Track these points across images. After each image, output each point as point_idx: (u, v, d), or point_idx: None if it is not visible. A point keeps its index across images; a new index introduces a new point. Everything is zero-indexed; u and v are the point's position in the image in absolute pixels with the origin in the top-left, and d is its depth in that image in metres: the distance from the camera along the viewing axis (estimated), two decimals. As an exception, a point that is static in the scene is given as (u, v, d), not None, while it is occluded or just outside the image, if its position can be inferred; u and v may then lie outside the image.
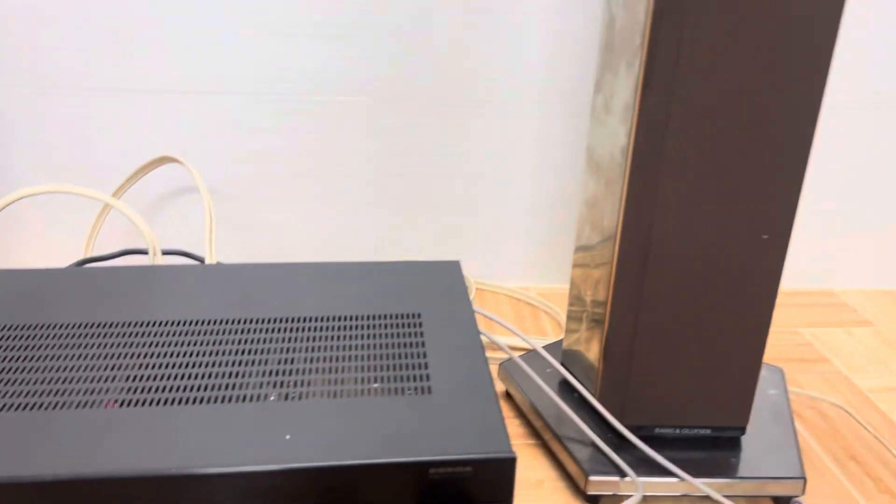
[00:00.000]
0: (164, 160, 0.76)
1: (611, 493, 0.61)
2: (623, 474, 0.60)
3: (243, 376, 0.46)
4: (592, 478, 0.60)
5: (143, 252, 0.68)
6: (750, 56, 0.53)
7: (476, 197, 0.89)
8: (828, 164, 0.89)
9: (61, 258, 0.82)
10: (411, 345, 0.49)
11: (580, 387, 0.65)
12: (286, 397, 0.44)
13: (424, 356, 0.48)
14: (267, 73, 0.80)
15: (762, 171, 0.56)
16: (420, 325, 0.51)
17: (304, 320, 0.52)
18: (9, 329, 0.49)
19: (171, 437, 0.40)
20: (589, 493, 0.61)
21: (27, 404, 0.42)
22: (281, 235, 0.87)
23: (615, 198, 0.59)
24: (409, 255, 0.89)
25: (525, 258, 0.92)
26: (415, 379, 0.45)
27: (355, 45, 0.80)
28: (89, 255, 0.73)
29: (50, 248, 0.83)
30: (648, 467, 0.61)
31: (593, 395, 0.64)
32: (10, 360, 0.46)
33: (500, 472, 0.39)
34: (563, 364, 0.70)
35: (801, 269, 0.96)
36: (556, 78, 0.84)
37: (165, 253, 0.69)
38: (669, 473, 0.60)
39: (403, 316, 0.52)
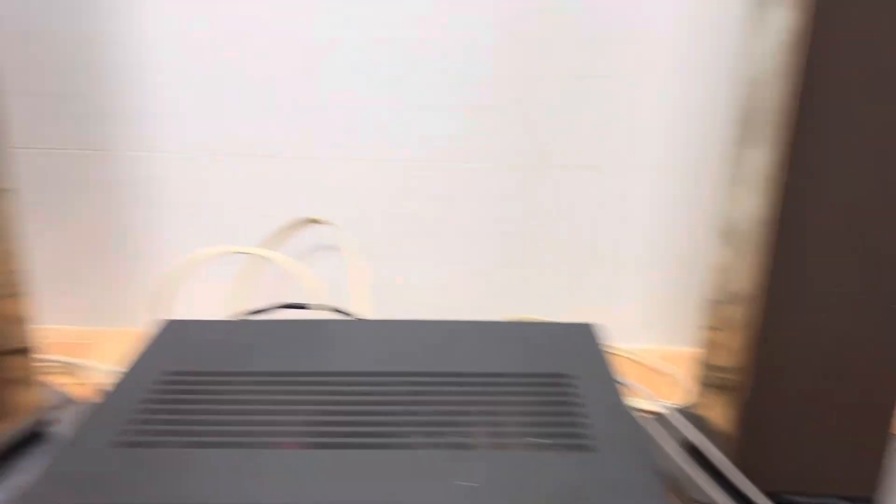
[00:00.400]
0: (307, 222, 0.83)
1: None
2: (756, 542, 0.60)
3: (411, 425, 0.50)
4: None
5: (301, 307, 0.74)
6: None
7: (595, 257, 0.92)
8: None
9: (204, 311, 0.89)
10: (565, 403, 0.52)
11: (709, 450, 0.66)
12: (449, 447, 0.47)
13: (581, 415, 0.50)
14: (406, 141, 0.87)
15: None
16: (569, 384, 0.54)
17: (458, 375, 0.55)
18: (214, 375, 0.55)
19: (355, 478, 0.44)
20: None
21: (231, 443, 0.47)
22: (410, 294, 0.92)
23: (751, 266, 0.61)
24: (531, 315, 0.93)
25: (643, 319, 0.94)
26: (574, 436, 0.48)
27: (481, 116, 0.86)
28: (239, 307, 0.79)
29: (197, 301, 0.91)
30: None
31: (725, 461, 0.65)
32: (210, 403, 0.51)
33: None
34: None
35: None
36: (675, 143, 0.87)
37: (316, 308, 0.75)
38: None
39: (550, 375, 0.55)
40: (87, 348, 0.92)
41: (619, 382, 0.54)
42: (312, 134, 0.88)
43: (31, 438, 0.70)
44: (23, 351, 0.69)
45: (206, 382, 0.54)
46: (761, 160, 0.59)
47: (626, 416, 0.50)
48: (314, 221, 0.82)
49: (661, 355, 0.92)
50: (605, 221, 0.91)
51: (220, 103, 0.87)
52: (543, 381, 0.54)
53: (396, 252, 0.92)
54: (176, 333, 0.62)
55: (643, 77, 0.85)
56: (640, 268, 0.92)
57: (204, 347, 0.59)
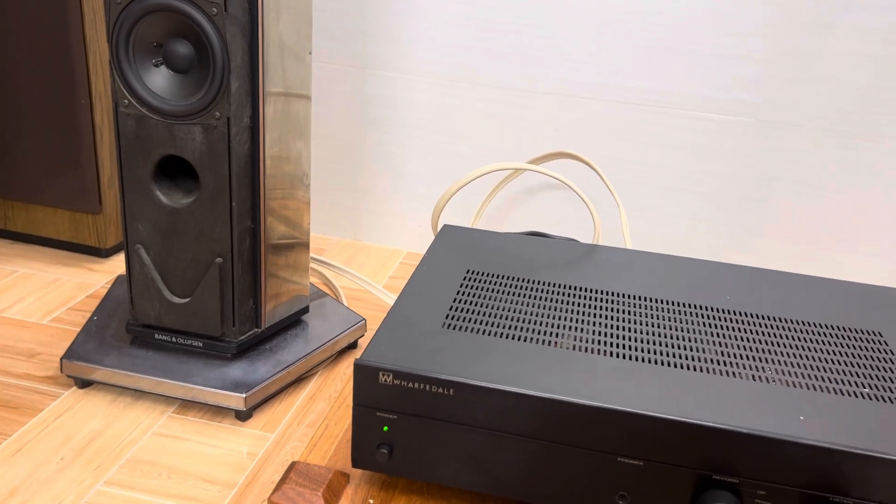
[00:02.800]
0: (560, 155, 0.83)
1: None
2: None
3: (718, 354, 0.49)
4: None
5: (545, 235, 0.75)
6: None
7: (843, 234, 0.88)
8: None
9: (454, 218, 0.91)
10: (883, 360, 0.50)
11: None
12: (777, 383, 0.46)
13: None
14: (663, 87, 0.85)
15: None
16: (885, 342, 0.52)
17: (761, 317, 0.54)
18: (511, 279, 0.57)
19: (684, 394, 0.44)
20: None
21: (538, 339, 0.49)
22: (644, 237, 0.91)
23: None
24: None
25: None
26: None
27: (747, 67, 0.83)
28: (477, 220, 0.82)
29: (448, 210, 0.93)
30: None
31: None
32: (521, 304, 0.53)
33: None
34: None
35: None
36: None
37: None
38: None
39: (865, 332, 0.53)
40: (322, 253, 0.98)
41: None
42: (557, 71, 0.88)
43: (290, 323, 0.76)
44: (297, 247, 0.73)
45: (503, 283, 0.55)
46: None
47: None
48: (570, 156, 0.82)
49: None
50: (865, 193, 0.86)
51: (483, 39, 0.89)
52: (860, 336, 0.52)
53: (635, 198, 0.91)
54: (458, 239, 0.64)
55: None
56: (892, 253, 0.87)
57: (489, 254, 0.60)
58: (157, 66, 0.64)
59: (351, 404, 0.53)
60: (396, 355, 0.45)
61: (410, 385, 0.44)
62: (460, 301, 0.53)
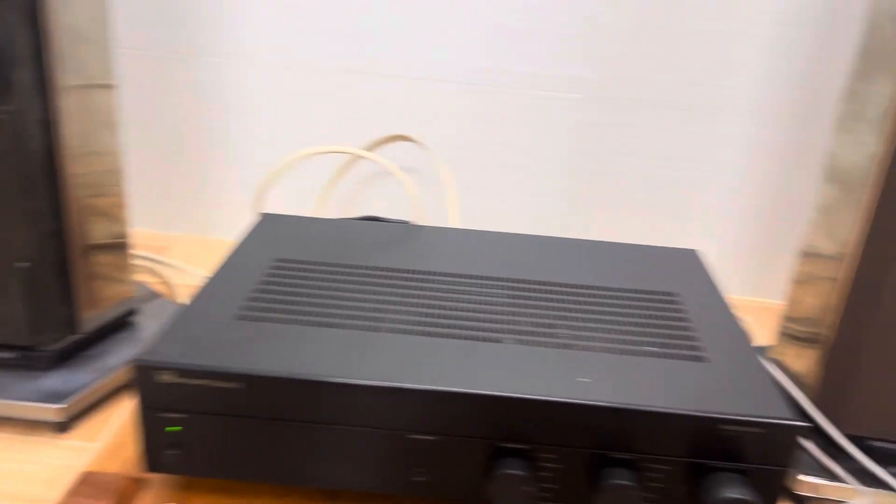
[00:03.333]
0: (397, 137, 0.83)
1: (816, 495, 0.61)
2: (834, 478, 0.60)
3: (518, 325, 0.50)
4: (802, 477, 0.61)
5: (377, 219, 0.74)
6: None
7: (676, 202, 0.91)
8: None
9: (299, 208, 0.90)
10: (673, 318, 0.52)
11: (797, 392, 0.65)
12: (560, 346, 0.47)
13: (689, 329, 0.50)
14: (492, 66, 0.86)
15: None
16: (676, 302, 0.54)
17: (562, 285, 0.55)
18: (322, 265, 0.56)
19: (478, 367, 0.44)
20: (797, 492, 0.61)
21: (351, 325, 0.48)
22: (484, 216, 0.92)
23: (858, 206, 0.60)
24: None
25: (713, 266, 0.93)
26: (686, 348, 0.48)
27: (574, 44, 0.85)
28: (322, 208, 0.81)
29: (289, 200, 0.91)
30: (857, 477, 0.61)
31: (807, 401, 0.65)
32: (327, 290, 0.52)
33: (786, 438, 0.42)
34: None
35: None
36: (771, 85, 0.85)
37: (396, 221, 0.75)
38: (883, 486, 0.60)
39: (657, 293, 0.55)
40: (169, 251, 0.94)
41: (727, 304, 0.54)
42: (401, 54, 0.87)
43: (117, 327, 0.72)
44: (114, 247, 0.70)
45: (312, 270, 0.54)
46: (884, 95, 0.58)
47: (737, 332, 0.50)
48: (403, 138, 0.81)
49: (738, 304, 0.92)
50: (693, 163, 0.90)
51: (313, 17, 0.87)
52: (652, 297, 0.54)
53: (476, 178, 0.91)
54: (275, 226, 0.63)
55: (739, 13, 0.84)
56: (722, 216, 0.91)
57: (304, 240, 0.59)
58: (-70, 59, 0.59)
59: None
60: (179, 351, 0.43)
61: (194, 382, 0.42)
62: (262, 291, 0.52)
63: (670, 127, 0.88)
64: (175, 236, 0.98)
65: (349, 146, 0.78)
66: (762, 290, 0.95)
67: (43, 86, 0.60)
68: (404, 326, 0.49)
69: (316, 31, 0.87)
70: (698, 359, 0.48)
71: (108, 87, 0.66)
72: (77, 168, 0.64)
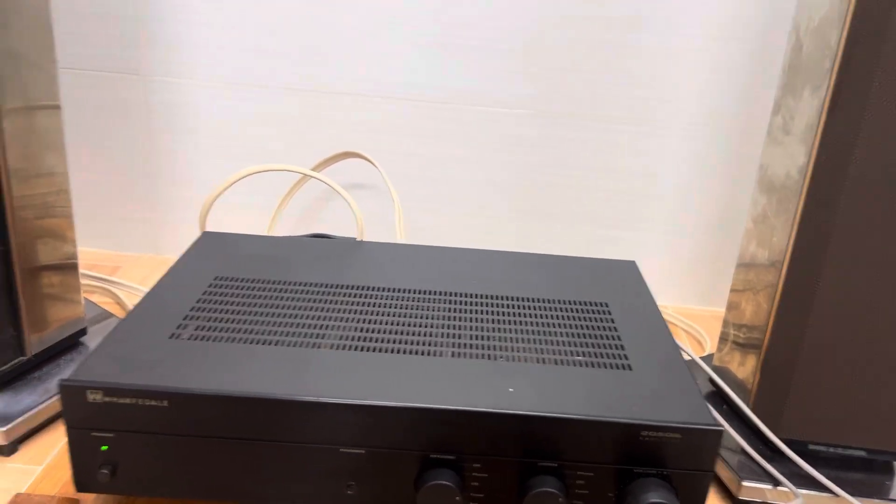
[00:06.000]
0: (347, 155, 0.83)
1: (760, 500, 0.62)
2: (776, 483, 0.62)
3: (455, 338, 0.51)
4: (745, 483, 0.62)
5: (326, 237, 0.75)
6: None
7: (620, 214, 0.93)
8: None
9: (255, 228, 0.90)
10: (604, 328, 0.53)
11: (737, 398, 0.67)
12: (496, 359, 0.48)
13: (619, 339, 0.52)
14: (436, 82, 0.87)
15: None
16: (609, 312, 0.55)
17: (500, 298, 0.56)
18: (262, 282, 0.56)
19: (410, 380, 0.45)
20: (740, 497, 0.63)
21: (278, 342, 0.48)
22: (434, 230, 0.93)
23: (788, 216, 0.62)
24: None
25: (664, 277, 0.95)
26: (613, 357, 0.49)
27: (517, 60, 0.86)
28: (274, 227, 0.81)
29: (244, 219, 0.92)
30: (799, 481, 0.62)
31: (747, 407, 0.66)
32: (265, 307, 0.53)
33: (706, 443, 0.43)
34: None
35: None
36: (709, 101, 0.87)
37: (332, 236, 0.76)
38: (822, 489, 0.61)
39: (592, 304, 0.56)
40: (117, 271, 0.94)
41: (659, 314, 0.56)
42: (344, 71, 0.88)
43: (66, 347, 0.72)
44: (62, 267, 0.70)
45: (251, 288, 0.55)
46: (810, 108, 0.60)
47: (666, 341, 0.51)
48: (353, 155, 0.82)
49: (680, 312, 0.94)
50: (634, 176, 0.91)
51: (253, 37, 0.88)
52: (584, 308, 0.55)
53: (426, 193, 0.93)
54: (216, 245, 0.63)
55: (678, 29, 0.86)
56: (665, 228, 0.93)
57: (245, 258, 0.60)
58: None
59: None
60: (108, 371, 0.44)
61: (122, 401, 0.42)
62: (198, 309, 0.52)
63: (615, 141, 0.90)
64: (127, 256, 0.98)
65: (295, 165, 0.79)
66: (713, 300, 0.96)
67: (-18, 109, 0.60)
68: (342, 342, 0.49)
69: (264, 51, 0.88)
70: (624, 367, 0.49)
71: (51, 108, 0.66)
72: (22, 190, 0.64)
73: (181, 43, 0.89)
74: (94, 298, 0.86)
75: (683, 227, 0.94)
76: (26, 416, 0.64)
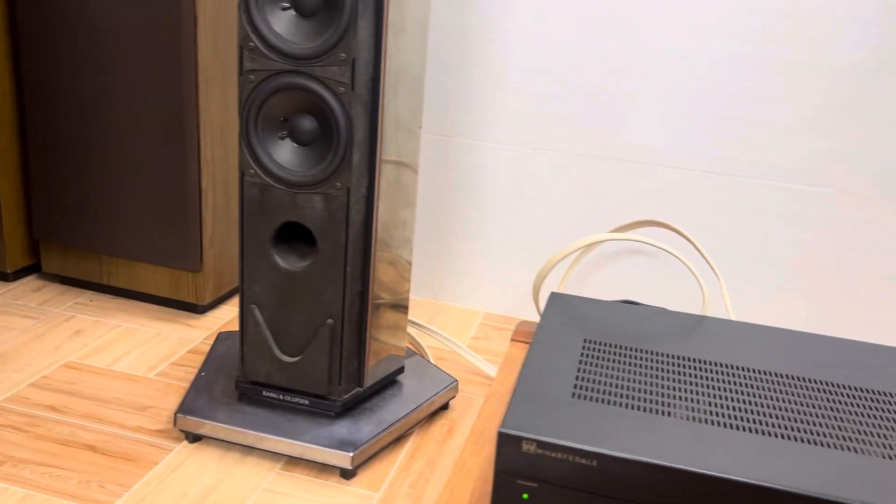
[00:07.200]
0: (650, 223, 0.85)
1: None
2: None
3: (853, 432, 0.50)
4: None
5: (635, 303, 0.77)
6: None
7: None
8: None
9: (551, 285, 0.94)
10: None
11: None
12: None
13: None
14: (750, 158, 0.88)
15: None
16: None
17: (873, 392, 0.55)
18: (625, 349, 0.59)
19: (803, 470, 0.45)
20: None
21: (661, 412, 0.50)
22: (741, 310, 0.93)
23: None
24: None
25: None
26: None
27: (830, 139, 0.85)
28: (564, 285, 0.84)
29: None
30: None
31: None
32: (646, 375, 0.55)
33: None
34: None
35: None
36: None
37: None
38: None
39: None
40: (411, 313, 1.01)
41: None
42: (650, 142, 0.91)
43: (387, 383, 0.78)
44: (397, 307, 0.76)
45: (621, 354, 0.57)
46: None
47: None
48: (662, 225, 0.84)
49: None
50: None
51: (552, 106, 0.92)
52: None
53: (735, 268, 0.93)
54: (568, 307, 0.66)
55: None
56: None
57: (602, 323, 0.62)
58: (282, 138, 0.68)
59: (459, 467, 0.54)
60: (536, 424, 0.47)
61: (553, 454, 0.45)
62: (583, 371, 0.55)
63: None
64: (412, 300, 1.05)
65: (620, 234, 0.82)
66: None
67: (371, 166, 0.68)
68: (745, 423, 0.50)
69: (560, 119, 0.92)
70: None
71: (413, 168, 0.73)
72: (383, 237, 0.71)
73: (487, 107, 0.95)
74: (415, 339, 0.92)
75: None
76: (367, 444, 0.70)
